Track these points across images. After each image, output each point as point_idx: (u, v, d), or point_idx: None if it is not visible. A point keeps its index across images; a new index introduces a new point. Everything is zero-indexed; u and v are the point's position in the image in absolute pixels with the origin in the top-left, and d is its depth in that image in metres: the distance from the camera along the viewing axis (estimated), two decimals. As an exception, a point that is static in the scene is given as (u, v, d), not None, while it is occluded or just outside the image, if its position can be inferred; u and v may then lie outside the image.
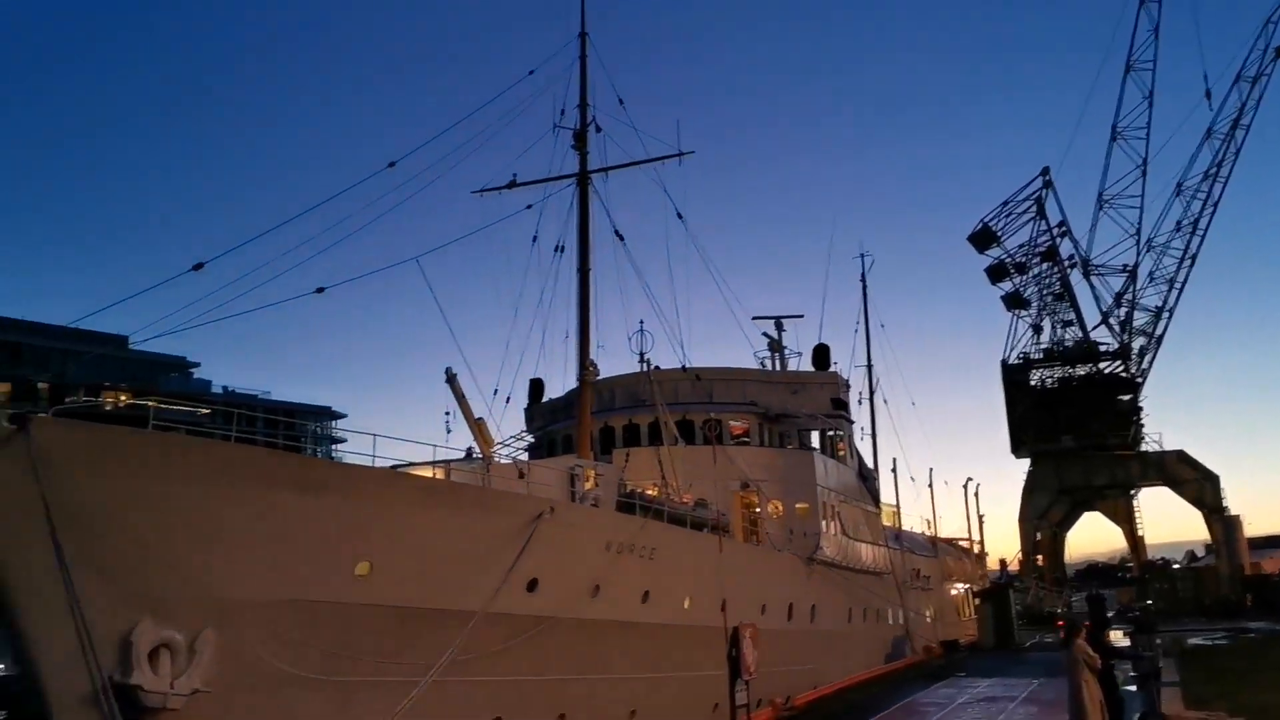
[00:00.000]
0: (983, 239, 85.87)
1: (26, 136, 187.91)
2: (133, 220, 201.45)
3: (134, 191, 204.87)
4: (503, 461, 23.02)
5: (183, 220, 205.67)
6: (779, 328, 42.18)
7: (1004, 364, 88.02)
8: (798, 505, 33.33)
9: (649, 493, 25.21)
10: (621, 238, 29.23)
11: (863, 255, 58.18)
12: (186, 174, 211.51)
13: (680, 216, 31.22)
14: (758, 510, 31.16)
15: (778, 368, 41.12)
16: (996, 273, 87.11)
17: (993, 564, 77.91)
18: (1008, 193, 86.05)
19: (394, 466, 17.94)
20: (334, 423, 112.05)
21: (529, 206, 28.83)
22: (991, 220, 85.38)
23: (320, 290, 19.46)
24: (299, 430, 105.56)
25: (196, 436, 15.26)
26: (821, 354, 41.01)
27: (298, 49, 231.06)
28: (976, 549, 69.79)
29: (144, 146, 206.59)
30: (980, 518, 70.65)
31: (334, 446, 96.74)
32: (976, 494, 69.23)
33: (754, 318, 41.56)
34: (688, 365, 31.36)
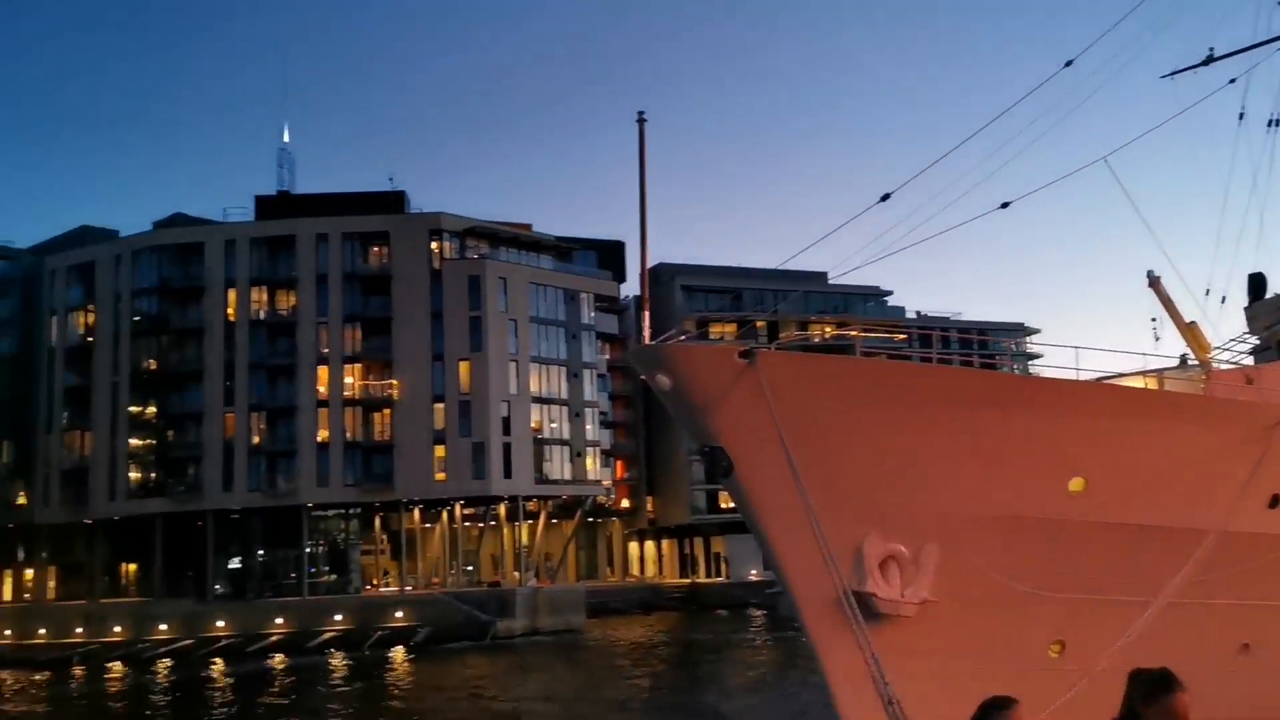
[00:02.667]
0: None
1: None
2: (824, 162, 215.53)
3: (827, 132, 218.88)
4: (1224, 367, 20.82)
5: (871, 154, 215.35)
6: None
7: None
8: None
9: None
10: (1357, 94, 24.62)
11: None
12: (872, 111, 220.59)
13: None
14: None
15: None
16: None
17: None
18: None
19: (1100, 379, 17.13)
20: (1028, 338, 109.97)
21: (1231, 81, 25.40)
22: None
23: (1005, 205, 19.06)
24: (993, 348, 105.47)
25: (898, 361, 15.98)
26: None
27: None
28: None
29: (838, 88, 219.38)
30: None
31: (1029, 362, 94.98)
32: None
33: None
34: None
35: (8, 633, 72.80)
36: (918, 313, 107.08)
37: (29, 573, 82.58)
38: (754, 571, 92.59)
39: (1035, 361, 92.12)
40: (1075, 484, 15.15)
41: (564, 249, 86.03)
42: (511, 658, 57.43)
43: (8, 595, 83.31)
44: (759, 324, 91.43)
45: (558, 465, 79.90)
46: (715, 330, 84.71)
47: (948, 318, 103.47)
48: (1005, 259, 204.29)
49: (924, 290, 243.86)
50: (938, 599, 14.38)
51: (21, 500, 79.79)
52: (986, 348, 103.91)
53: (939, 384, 14.77)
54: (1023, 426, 14.67)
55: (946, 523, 14.52)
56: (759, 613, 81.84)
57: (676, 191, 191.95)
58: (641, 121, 14.31)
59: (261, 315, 76.22)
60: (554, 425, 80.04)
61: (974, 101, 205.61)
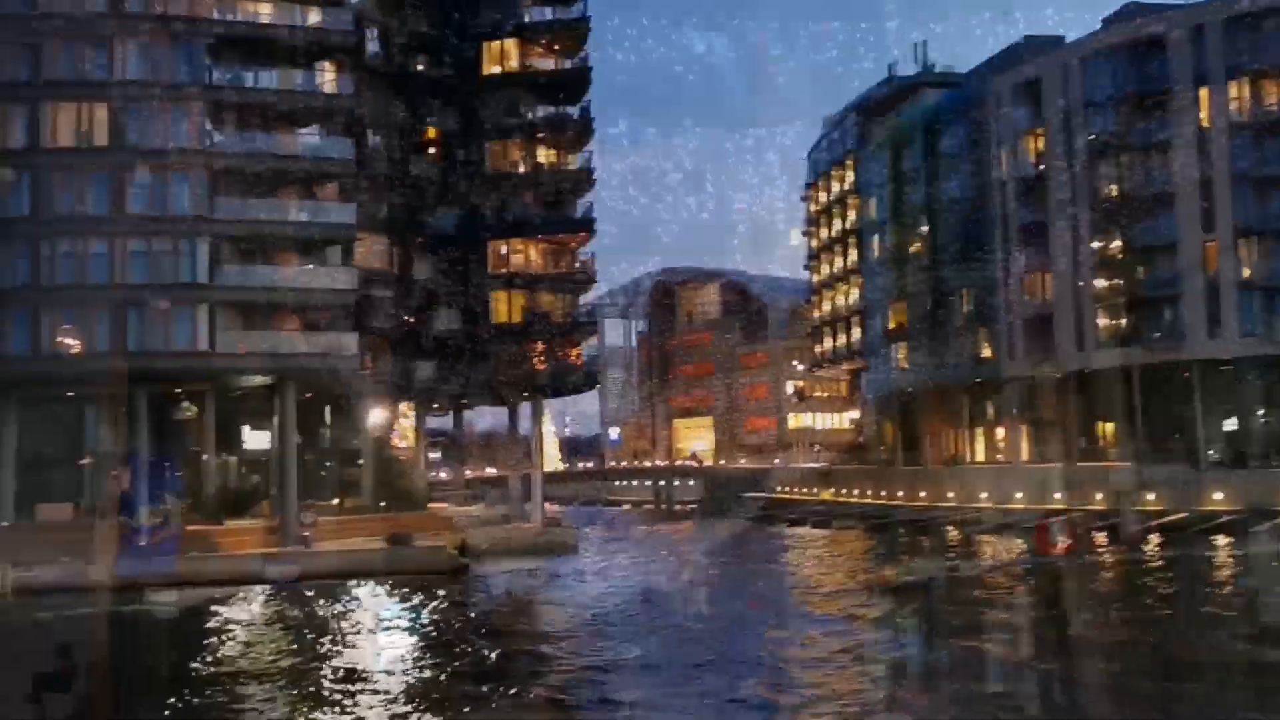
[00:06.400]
0: None
1: None
2: None
3: None
4: None
5: None
6: None
7: None
8: None
9: None
10: None
11: None
12: None
13: None
14: None
15: None
16: None
17: None
18: None
19: None
20: None
21: None
22: None
23: None
24: None
25: None
26: None
27: None
28: None
29: None
30: None
31: None
32: None
33: None
34: None
35: (984, 495, 70.72)
36: None
37: (1000, 432, 79.87)
38: None
39: None
40: None
41: None
42: None
43: (980, 456, 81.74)
44: None
45: None
46: None
47: None
48: None
49: None
50: None
51: (986, 353, 76.85)
52: None
53: None
54: None
55: None
56: None
57: None
58: None
59: (1243, 115, 62.80)
60: None
61: None
